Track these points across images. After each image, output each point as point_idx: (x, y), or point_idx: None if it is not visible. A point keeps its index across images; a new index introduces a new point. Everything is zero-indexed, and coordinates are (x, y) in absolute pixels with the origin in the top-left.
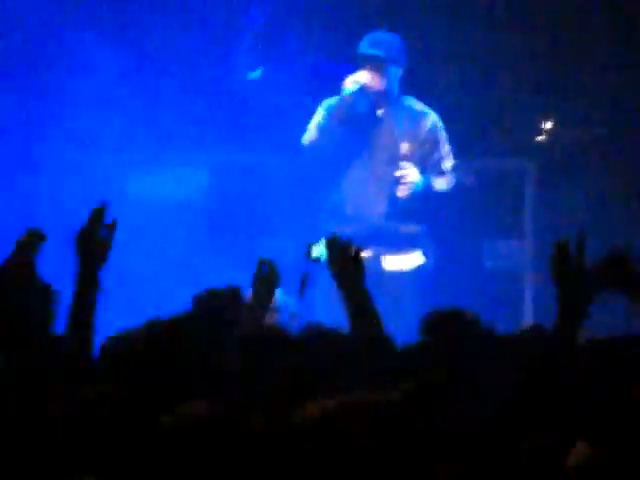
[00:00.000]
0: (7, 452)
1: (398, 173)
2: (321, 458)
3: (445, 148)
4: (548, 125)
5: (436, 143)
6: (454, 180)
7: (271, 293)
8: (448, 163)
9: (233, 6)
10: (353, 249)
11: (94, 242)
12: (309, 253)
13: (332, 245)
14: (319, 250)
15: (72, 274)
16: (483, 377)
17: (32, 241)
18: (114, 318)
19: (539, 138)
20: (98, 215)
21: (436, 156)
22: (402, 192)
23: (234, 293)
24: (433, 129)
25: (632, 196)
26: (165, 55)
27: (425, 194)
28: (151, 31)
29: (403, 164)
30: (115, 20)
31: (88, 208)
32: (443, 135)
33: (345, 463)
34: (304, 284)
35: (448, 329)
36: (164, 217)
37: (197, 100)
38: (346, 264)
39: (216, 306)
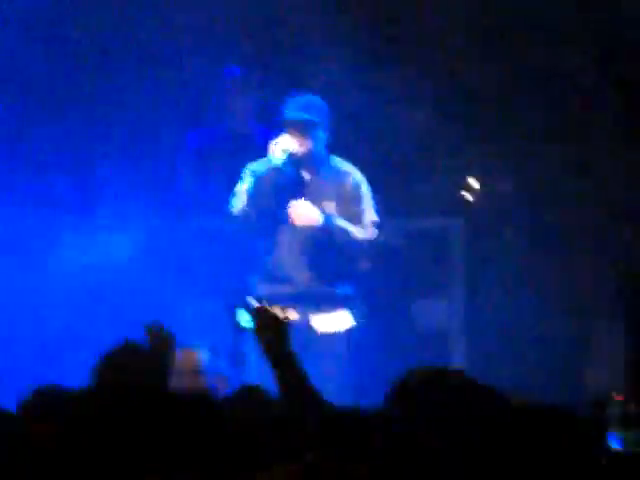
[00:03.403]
0: None
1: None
2: None
3: (366, 204)
4: (473, 183)
5: (358, 199)
6: (375, 233)
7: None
8: (369, 217)
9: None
10: (278, 317)
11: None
12: (237, 321)
13: (257, 314)
14: (245, 318)
15: None
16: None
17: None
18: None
19: (464, 196)
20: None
21: (357, 210)
22: (297, 220)
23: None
24: (355, 187)
25: (559, 251)
26: (104, 120)
27: (328, 229)
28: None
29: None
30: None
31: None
32: (365, 192)
33: None
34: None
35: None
36: (93, 281)
37: (131, 164)
38: (272, 333)
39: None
